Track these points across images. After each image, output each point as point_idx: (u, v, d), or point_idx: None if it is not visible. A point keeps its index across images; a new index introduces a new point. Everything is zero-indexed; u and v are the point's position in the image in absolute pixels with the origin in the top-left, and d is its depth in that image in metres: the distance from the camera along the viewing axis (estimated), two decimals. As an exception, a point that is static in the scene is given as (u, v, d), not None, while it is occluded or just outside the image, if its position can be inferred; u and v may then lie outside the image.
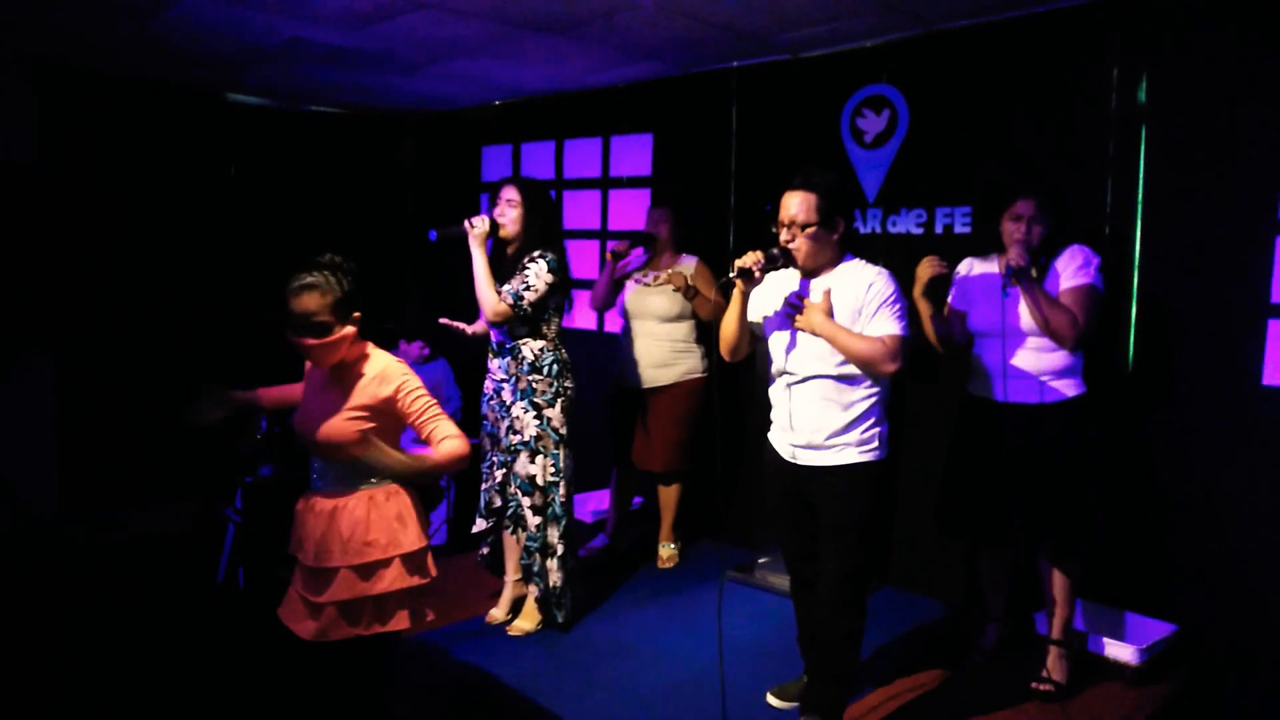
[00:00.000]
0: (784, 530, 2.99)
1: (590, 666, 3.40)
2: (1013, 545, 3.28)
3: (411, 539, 2.46)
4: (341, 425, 2.37)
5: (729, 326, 2.84)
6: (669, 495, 4.47)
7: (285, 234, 5.80)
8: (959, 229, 3.90)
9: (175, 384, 5.21)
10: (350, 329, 2.39)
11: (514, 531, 3.65)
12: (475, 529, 3.74)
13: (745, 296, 2.78)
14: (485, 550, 3.83)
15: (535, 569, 3.62)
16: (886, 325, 2.69)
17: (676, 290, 4.25)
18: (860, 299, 2.71)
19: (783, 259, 2.73)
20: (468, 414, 5.30)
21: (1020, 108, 3.71)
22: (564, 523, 3.62)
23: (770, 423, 2.95)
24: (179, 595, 4.19)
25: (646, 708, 3.10)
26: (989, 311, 3.15)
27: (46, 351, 4.93)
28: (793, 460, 2.83)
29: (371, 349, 2.48)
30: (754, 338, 2.92)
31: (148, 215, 5.25)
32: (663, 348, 4.33)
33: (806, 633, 3.03)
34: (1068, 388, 3.11)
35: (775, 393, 2.89)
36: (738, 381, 4.40)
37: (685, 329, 4.35)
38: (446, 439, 2.39)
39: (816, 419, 2.75)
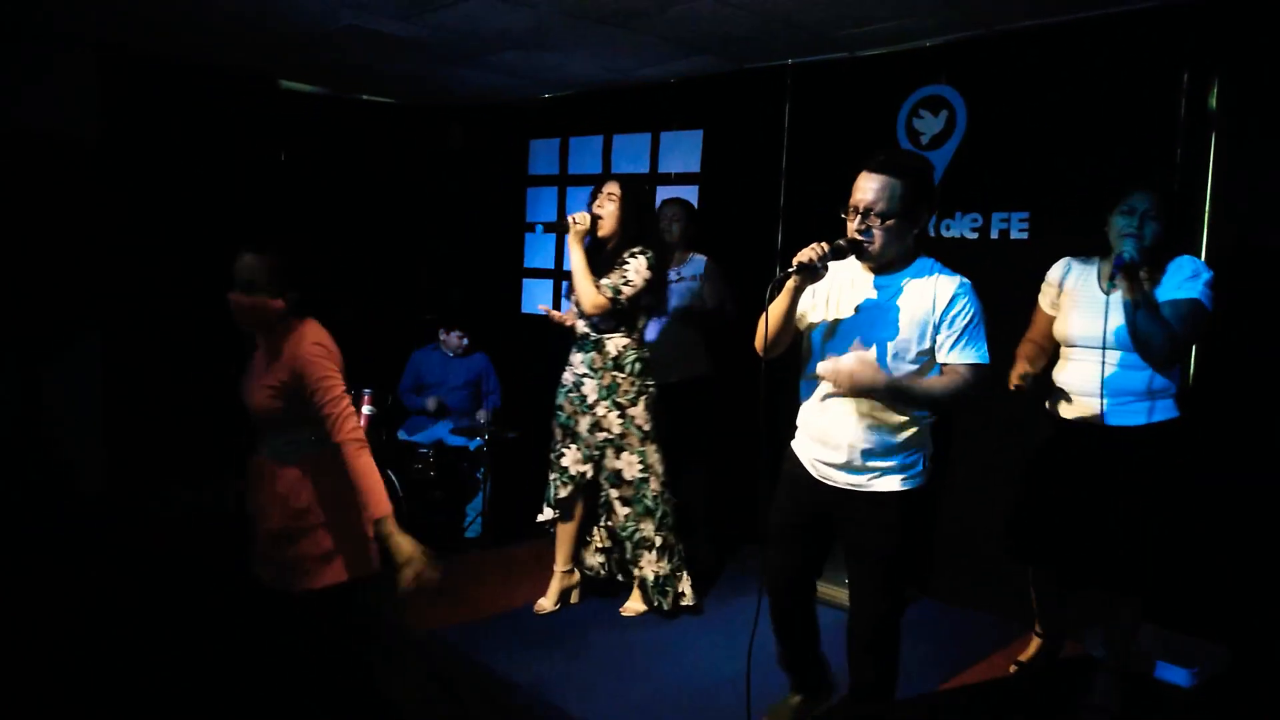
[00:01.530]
0: (784, 550, 2.67)
1: (623, 666, 3.36)
2: (1075, 567, 3.10)
3: (345, 504, 2.54)
4: (260, 397, 2.53)
5: (774, 322, 2.48)
6: (691, 493, 4.41)
7: (333, 221, 5.84)
8: (1015, 234, 3.80)
9: (220, 364, 5.26)
10: (279, 303, 2.50)
11: (607, 520, 3.76)
12: (541, 518, 3.78)
13: (799, 291, 2.45)
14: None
15: (628, 558, 3.71)
16: (972, 353, 2.39)
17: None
18: (936, 312, 2.40)
19: (851, 250, 2.41)
20: (516, 405, 5.29)
21: (1083, 113, 3.61)
22: (659, 515, 3.68)
23: (796, 428, 2.68)
24: (212, 571, 4.21)
25: (677, 710, 3.05)
26: (1087, 322, 2.90)
27: (96, 329, 4.99)
28: (824, 480, 2.56)
29: (305, 326, 2.56)
30: (797, 332, 2.60)
31: (199, 198, 5.30)
32: (674, 346, 4.29)
33: (798, 650, 2.83)
34: (1160, 410, 2.83)
35: (813, 401, 2.58)
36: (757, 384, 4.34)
37: (691, 328, 4.32)
38: (348, 426, 2.45)
39: (860, 439, 2.46)
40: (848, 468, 2.50)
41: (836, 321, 2.51)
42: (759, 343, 2.53)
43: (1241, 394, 3.29)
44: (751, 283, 4.37)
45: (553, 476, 3.73)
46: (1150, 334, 2.71)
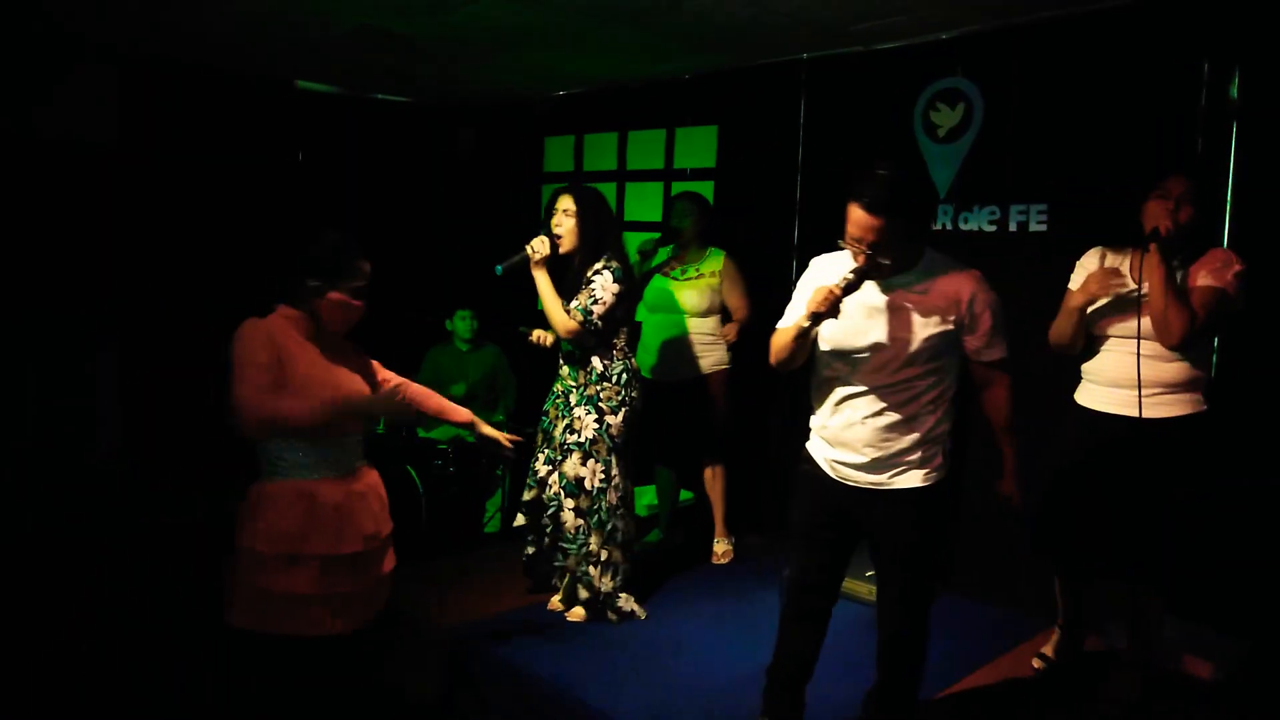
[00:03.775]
0: (806, 550, 2.65)
1: (643, 661, 3.37)
2: (1102, 562, 3.06)
3: None
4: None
5: (788, 349, 2.49)
6: (715, 488, 4.43)
7: (350, 222, 5.86)
8: (1034, 227, 3.78)
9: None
10: None
11: (552, 531, 3.62)
12: (516, 523, 3.75)
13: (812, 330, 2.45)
14: (531, 550, 3.80)
15: (580, 571, 3.60)
16: (999, 347, 2.46)
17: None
18: (955, 311, 2.40)
19: (862, 282, 2.37)
20: (526, 403, 5.30)
21: (1102, 103, 3.58)
22: (609, 529, 3.57)
23: (810, 430, 2.66)
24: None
25: (699, 705, 3.06)
26: (1120, 313, 2.88)
27: (114, 333, 5.03)
28: (843, 480, 2.55)
29: None
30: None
31: (218, 201, 5.34)
32: (693, 341, 4.31)
33: (794, 666, 2.72)
34: (1188, 403, 2.84)
35: (826, 405, 2.57)
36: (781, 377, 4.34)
37: (713, 323, 4.35)
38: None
39: (880, 437, 2.46)
40: (872, 468, 2.50)
41: (852, 329, 2.46)
42: (776, 363, 2.57)
43: (1266, 385, 3.26)
44: (769, 278, 4.39)
45: (527, 480, 3.69)
46: (1169, 315, 2.71)
